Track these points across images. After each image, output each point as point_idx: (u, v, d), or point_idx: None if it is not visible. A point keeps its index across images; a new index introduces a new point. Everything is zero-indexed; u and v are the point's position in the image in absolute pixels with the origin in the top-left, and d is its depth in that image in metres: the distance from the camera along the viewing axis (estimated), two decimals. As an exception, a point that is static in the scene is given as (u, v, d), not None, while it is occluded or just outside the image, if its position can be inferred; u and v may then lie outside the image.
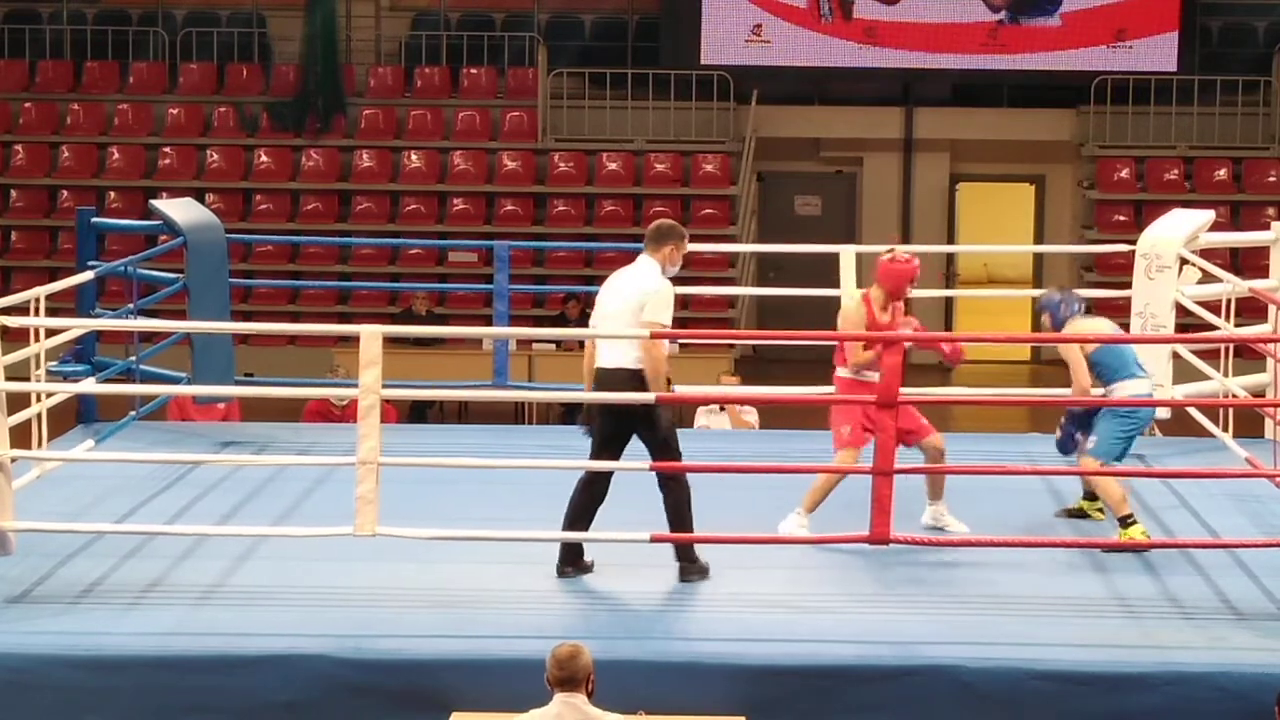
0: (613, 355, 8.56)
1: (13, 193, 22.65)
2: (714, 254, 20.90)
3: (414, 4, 23.77)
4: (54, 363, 10.72)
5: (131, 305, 11.25)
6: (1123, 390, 9.33)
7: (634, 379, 8.45)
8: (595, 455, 8.61)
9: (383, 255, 22.14)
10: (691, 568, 8.57)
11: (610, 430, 8.58)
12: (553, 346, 17.96)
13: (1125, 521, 9.07)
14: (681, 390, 11.95)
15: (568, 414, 17.70)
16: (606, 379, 8.53)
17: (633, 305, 8.53)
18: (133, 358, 11.31)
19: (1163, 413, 11.77)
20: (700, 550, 8.62)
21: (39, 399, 9.71)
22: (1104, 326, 9.55)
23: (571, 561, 8.61)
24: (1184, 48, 22.22)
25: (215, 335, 11.45)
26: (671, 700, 7.51)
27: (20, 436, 8.80)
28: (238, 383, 12.25)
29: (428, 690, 7.61)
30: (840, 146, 23.02)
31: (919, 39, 22.24)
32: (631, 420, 8.51)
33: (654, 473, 8.53)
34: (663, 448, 8.52)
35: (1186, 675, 7.56)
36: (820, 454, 9.91)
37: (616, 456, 8.58)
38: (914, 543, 8.42)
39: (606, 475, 8.57)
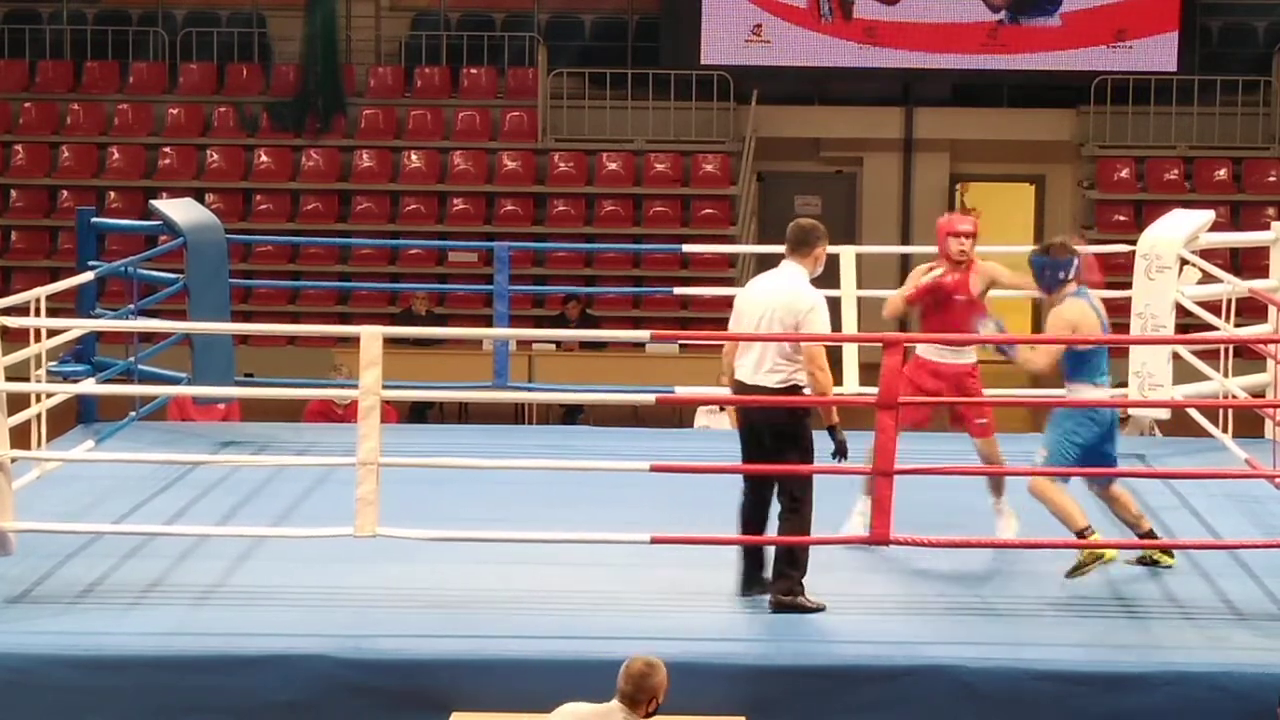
0: (749, 370, 8.20)
1: (13, 193, 22.65)
2: (714, 254, 20.93)
3: (414, 4, 23.77)
4: (54, 363, 10.72)
5: (131, 305, 11.25)
6: (1076, 395, 8.67)
7: (790, 394, 8.11)
8: (752, 474, 8.28)
9: (383, 255, 22.14)
10: (788, 600, 8.16)
11: (756, 450, 8.23)
12: (553, 347, 17.97)
13: (1084, 534, 8.51)
14: (682, 390, 11.99)
15: (568, 414, 17.73)
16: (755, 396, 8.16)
17: (769, 319, 8.22)
18: (132, 358, 11.31)
19: (1163, 413, 11.79)
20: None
21: (39, 399, 9.71)
22: (1088, 314, 8.62)
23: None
24: (1184, 48, 22.22)
25: (215, 335, 11.45)
26: (671, 700, 7.49)
27: (20, 437, 8.80)
28: (238, 383, 12.25)
29: (428, 690, 7.61)
30: (840, 146, 23.02)
31: (919, 39, 22.24)
32: (779, 441, 8.16)
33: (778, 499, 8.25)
34: (787, 481, 8.16)
35: (1186, 675, 7.56)
36: (819, 453, 9.89)
37: (767, 481, 8.24)
38: (914, 544, 8.41)
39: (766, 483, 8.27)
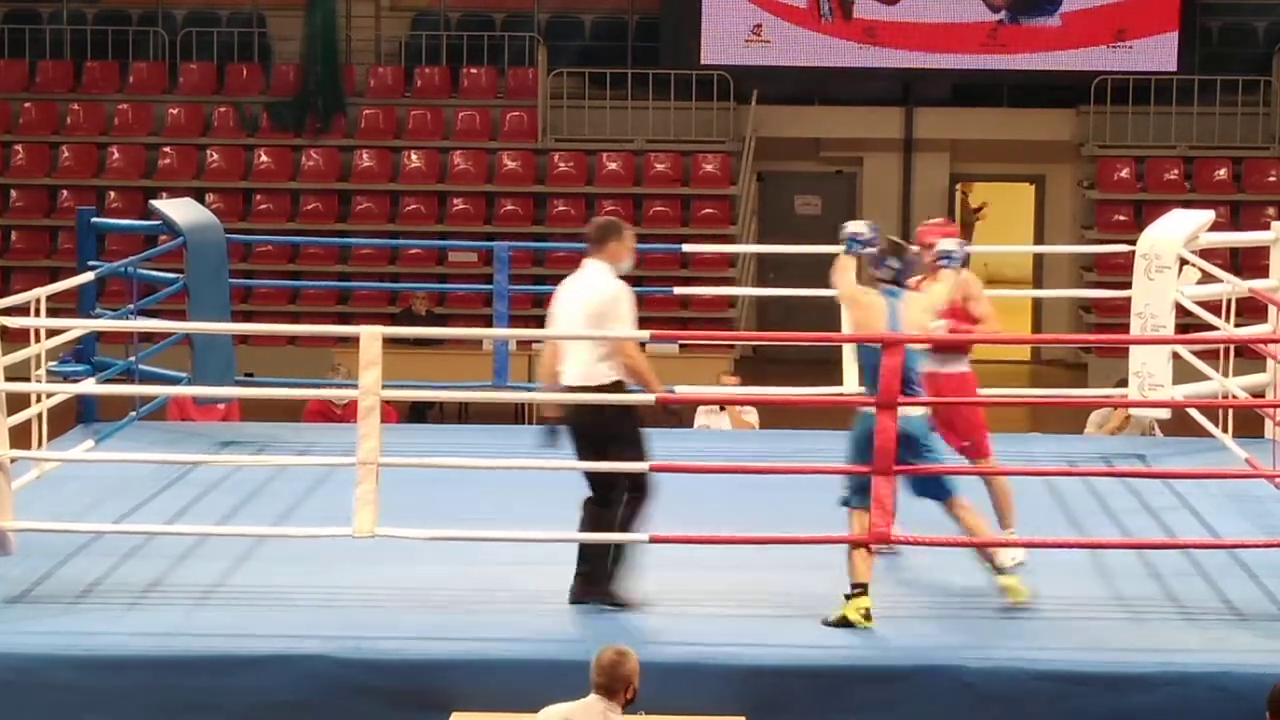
0: (574, 369, 8.21)
1: (13, 193, 22.66)
2: (714, 254, 20.94)
3: (414, 4, 23.77)
4: (54, 363, 10.72)
5: (131, 305, 11.24)
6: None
7: (611, 391, 8.15)
8: (605, 482, 8.22)
9: (383, 255, 22.14)
10: (607, 597, 8.18)
11: (599, 443, 8.22)
12: (553, 346, 17.93)
13: (852, 593, 8.10)
14: (682, 391, 11.98)
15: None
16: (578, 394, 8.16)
17: (591, 315, 8.20)
18: (133, 358, 11.31)
19: (1163, 413, 11.79)
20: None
21: (39, 399, 9.71)
22: (876, 309, 8.35)
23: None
24: (1184, 48, 22.22)
25: (215, 335, 11.45)
26: (671, 700, 7.50)
27: (20, 437, 8.80)
28: (238, 383, 12.25)
29: (428, 690, 7.61)
30: (840, 146, 23.02)
31: (919, 39, 22.24)
32: (604, 435, 8.18)
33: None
34: (606, 474, 8.15)
35: (1186, 675, 7.57)
36: (819, 453, 9.91)
37: (612, 478, 8.22)
38: (914, 543, 8.42)
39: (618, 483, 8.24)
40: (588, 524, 8.24)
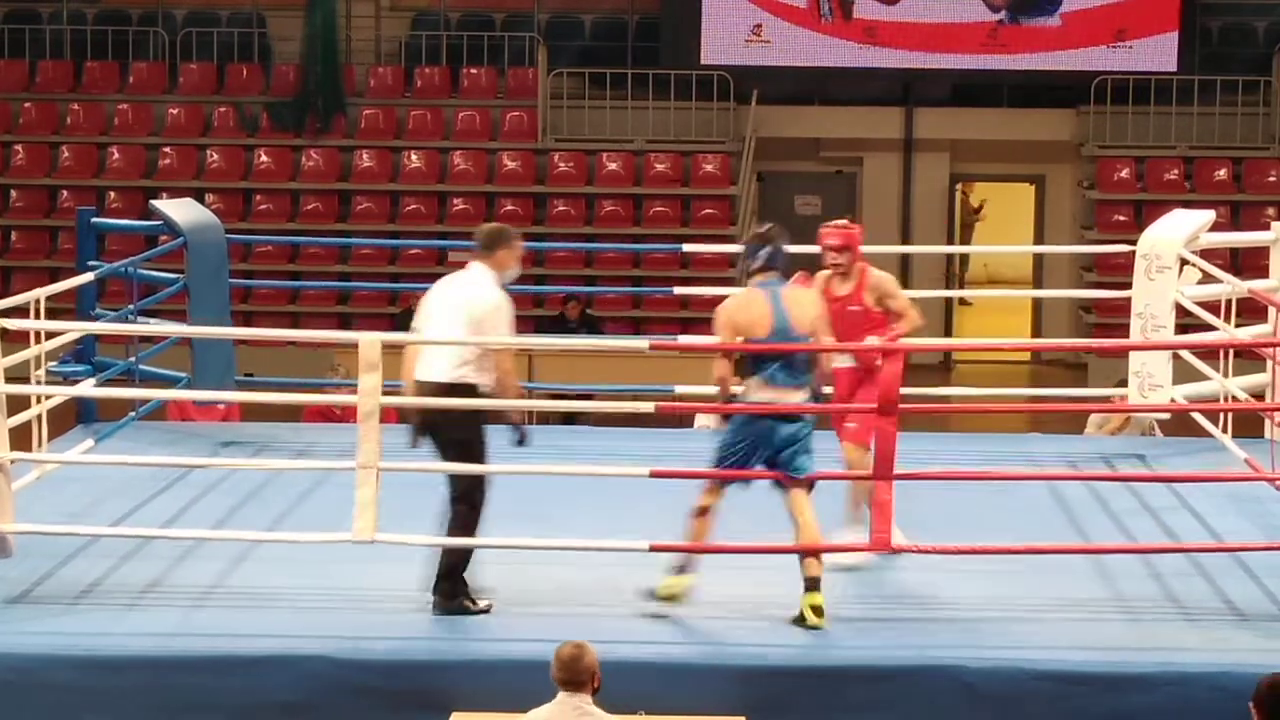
0: (444, 369, 8.10)
1: (13, 193, 22.66)
2: (714, 254, 20.92)
3: (414, 4, 23.78)
4: (54, 363, 10.72)
5: (132, 306, 11.24)
6: (744, 396, 8.24)
7: (466, 395, 8.08)
8: (471, 486, 8.16)
9: (383, 255, 22.13)
10: (452, 603, 8.11)
11: (450, 443, 8.17)
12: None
13: (678, 570, 8.17)
14: (681, 390, 11.99)
15: (568, 415, 17.71)
16: (434, 394, 8.08)
17: (473, 321, 8.18)
18: (132, 358, 11.31)
19: (1163, 414, 11.79)
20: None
21: (39, 400, 9.71)
22: (740, 308, 8.21)
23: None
24: (1184, 48, 22.22)
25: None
26: (671, 700, 7.51)
27: (20, 438, 8.80)
28: (238, 383, 12.25)
29: (428, 690, 7.61)
30: (840, 146, 23.02)
31: (919, 39, 22.24)
32: (450, 438, 8.11)
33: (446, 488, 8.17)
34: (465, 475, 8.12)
35: (1186, 675, 7.57)
36: (819, 454, 9.89)
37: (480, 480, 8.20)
38: (916, 550, 8.41)
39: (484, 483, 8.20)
40: (457, 527, 8.15)
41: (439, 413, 8.13)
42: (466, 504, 8.16)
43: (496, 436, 8.29)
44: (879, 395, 8.12)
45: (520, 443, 8.24)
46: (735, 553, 8.46)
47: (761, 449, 8.18)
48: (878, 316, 9.10)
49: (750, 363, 8.23)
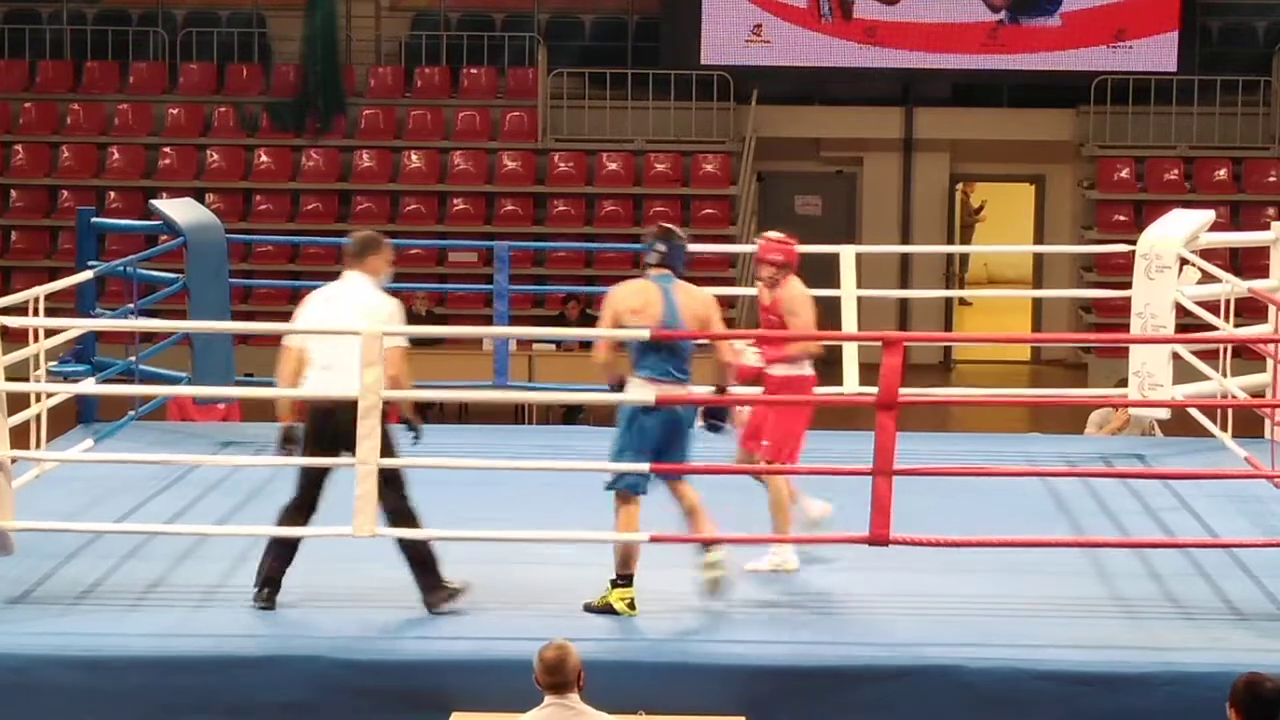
0: (351, 381, 8.10)
1: (13, 193, 22.65)
2: (714, 254, 20.92)
3: (414, 4, 23.77)
4: (54, 363, 10.72)
5: (132, 305, 11.24)
6: (628, 388, 8.29)
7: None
8: (312, 477, 8.24)
9: (383, 255, 22.10)
10: (440, 594, 8.16)
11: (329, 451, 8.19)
12: (553, 347, 17.96)
13: (615, 583, 8.20)
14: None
15: (568, 415, 17.72)
16: (348, 408, 8.06)
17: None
18: (132, 358, 11.31)
19: (1163, 412, 11.79)
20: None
21: (39, 399, 9.71)
22: (622, 299, 8.32)
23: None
24: (1184, 48, 22.22)
25: (215, 335, 11.45)
26: (671, 700, 7.51)
27: (20, 436, 8.80)
28: (238, 383, 12.24)
29: (428, 690, 7.61)
30: (840, 146, 23.01)
31: (919, 39, 22.24)
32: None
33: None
34: (391, 480, 8.16)
35: (1186, 675, 7.57)
36: (819, 454, 9.91)
37: (322, 478, 8.25)
38: (914, 543, 8.41)
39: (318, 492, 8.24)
40: (402, 523, 8.18)
41: (341, 430, 8.11)
42: (400, 506, 8.18)
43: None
44: (879, 388, 8.11)
45: (415, 440, 8.33)
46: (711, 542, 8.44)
47: (650, 443, 8.23)
48: (781, 324, 9.05)
49: (633, 357, 8.27)
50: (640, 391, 8.21)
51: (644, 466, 8.20)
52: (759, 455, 8.95)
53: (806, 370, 9.02)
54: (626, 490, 8.24)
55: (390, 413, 8.33)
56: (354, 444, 8.06)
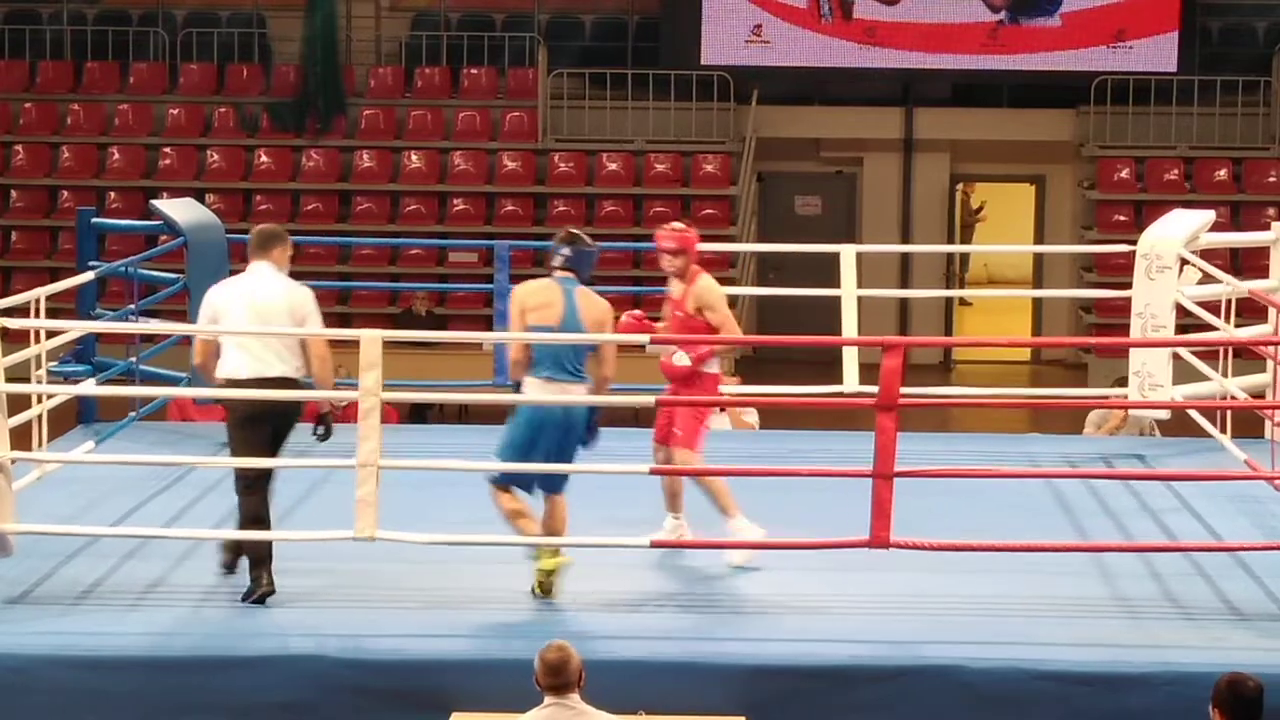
0: (274, 363, 8.35)
1: (13, 193, 22.67)
2: (714, 254, 20.91)
3: (414, 4, 23.79)
4: (54, 363, 10.72)
5: (132, 306, 11.24)
6: (524, 388, 8.42)
7: (293, 389, 8.38)
8: (257, 471, 8.39)
9: (383, 255, 22.14)
10: (255, 589, 8.24)
11: (280, 435, 8.44)
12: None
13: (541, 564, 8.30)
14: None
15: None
16: (274, 388, 8.31)
17: (296, 316, 8.44)
18: (133, 358, 11.30)
19: (1163, 413, 11.80)
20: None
21: (39, 400, 9.71)
22: (518, 299, 8.50)
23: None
24: (1184, 48, 22.23)
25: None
26: (671, 700, 7.51)
27: (20, 437, 8.80)
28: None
29: (428, 690, 7.61)
30: (840, 146, 23.02)
31: (919, 39, 22.25)
32: (288, 427, 8.42)
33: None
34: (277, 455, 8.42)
35: (1186, 675, 7.56)
36: (819, 453, 9.92)
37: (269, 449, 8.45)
38: (915, 547, 8.41)
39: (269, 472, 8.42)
40: (254, 509, 8.34)
41: (269, 406, 8.34)
42: (253, 491, 8.38)
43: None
44: (879, 389, 8.12)
45: (325, 436, 8.53)
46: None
47: (544, 442, 8.32)
48: (700, 325, 9.02)
49: (532, 357, 8.38)
50: (537, 391, 8.31)
51: (553, 467, 8.35)
52: (671, 446, 8.99)
53: (714, 368, 9.08)
54: (506, 483, 8.38)
55: (309, 410, 8.39)
56: (280, 419, 8.34)
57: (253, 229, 8.86)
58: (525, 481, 8.43)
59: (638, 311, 9.13)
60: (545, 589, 8.26)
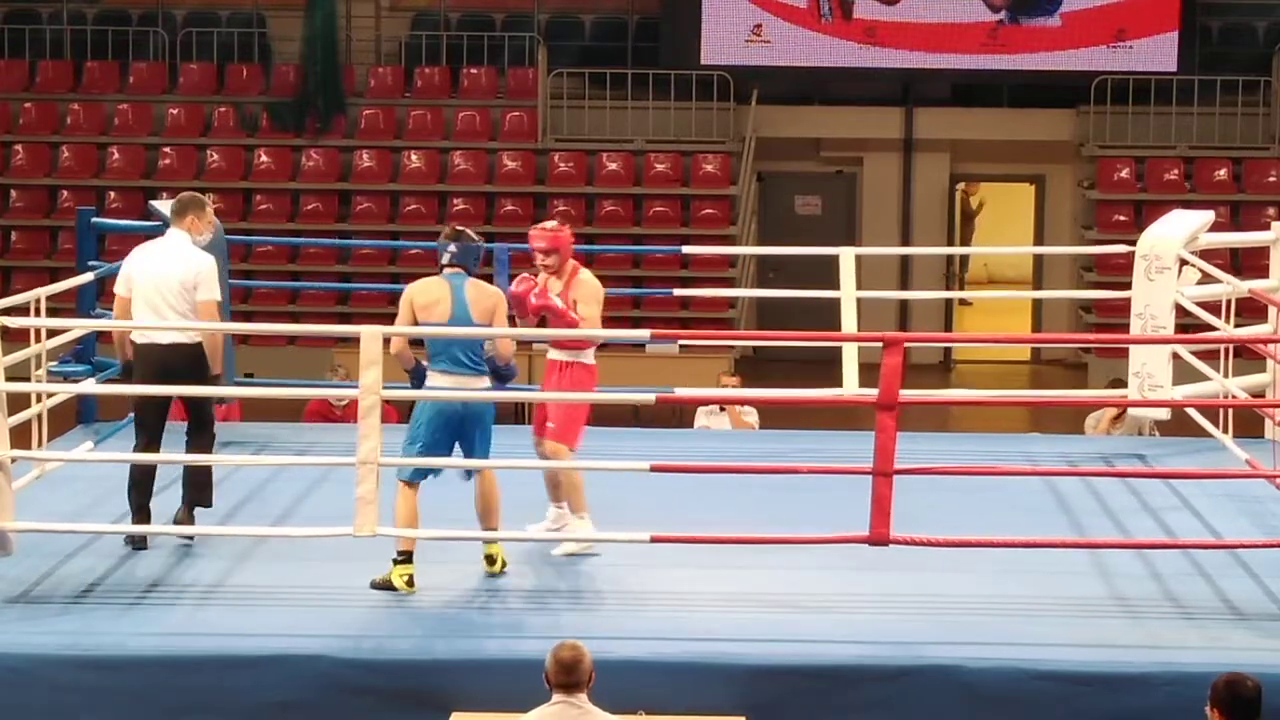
0: (174, 331, 8.91)
1: (13, 193, 22.65)
2: (714, 254, 20.94)
3: (414, 4, 23.78)
4: (54, 363, 10.72)
5: (132, 305, 11.22)
6: (428, 380, 8.60)
7: (199, 352, 8.96)
8: (151, 426, 9.05)
9: (383, 255, 22.13)
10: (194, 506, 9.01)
11: (164, 402, 9.08)
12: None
13: (397, 560, 8.40)
14: (681, 392, 11.99)
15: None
16: (172, 355, 8.92)
17: (186, 283, 8.96)
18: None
19: (1163, 413, 11.80)
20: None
21: (39, 399, 9.72)
22: (409, 296, 8.62)
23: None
24: (1184, 48, 22.22)
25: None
26: (671, 700, 7.51)
27: (20, 437, 8.80)
28: (238, 383, 12.24)
29: (428, 690, 7.61)
30: (840, 146, 23.02)
31: (919, 39, 22.24)
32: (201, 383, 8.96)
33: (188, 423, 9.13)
34: (200, 413, 9.17)
35: (1186, 675, 7.56)
36: (819, 453, 9.93)
37: (161, 425, 9.06)
38: (914, 543, 8.41)
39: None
40: (201, 448, 9.11)
41: (194, 367, 8.96)
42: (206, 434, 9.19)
43: None
44: (879, 388, 8.12)
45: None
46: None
47: (447, 435, 8.50)
48: (569, 319, 9.13)
49: (429, 351, 8.61)
50: (437, 382, 8.51)
51: (467, 462, 8.57)
52: (545, 438, 9.07)
53: (589, 359, 9.18)
54: (414, 480, 8.47)
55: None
56: (184, 379, 8.87)
57: (177, 197, 9.40)
58: (424, 474, 8.53)
59: (526, 275, 9.24)
60: (408, 583, 8.34)
